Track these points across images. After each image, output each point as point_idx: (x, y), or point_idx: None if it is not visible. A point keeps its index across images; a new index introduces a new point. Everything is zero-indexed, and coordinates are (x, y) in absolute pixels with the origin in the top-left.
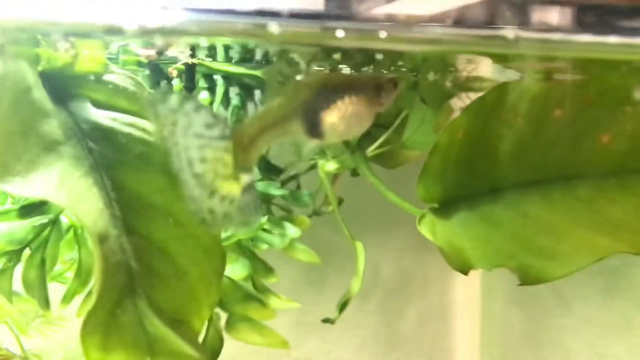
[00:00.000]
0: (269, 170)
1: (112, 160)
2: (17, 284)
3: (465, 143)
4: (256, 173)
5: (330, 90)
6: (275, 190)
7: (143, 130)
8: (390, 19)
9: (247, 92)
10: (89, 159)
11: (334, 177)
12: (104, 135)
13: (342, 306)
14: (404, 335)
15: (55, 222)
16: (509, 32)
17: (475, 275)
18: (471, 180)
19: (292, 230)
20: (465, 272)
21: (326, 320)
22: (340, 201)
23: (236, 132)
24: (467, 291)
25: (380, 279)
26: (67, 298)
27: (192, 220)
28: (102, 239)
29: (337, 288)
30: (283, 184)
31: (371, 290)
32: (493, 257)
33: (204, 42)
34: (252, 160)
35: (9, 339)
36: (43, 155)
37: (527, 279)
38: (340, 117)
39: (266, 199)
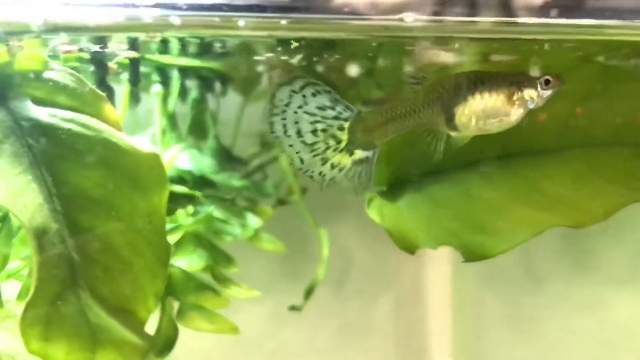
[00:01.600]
0: (231, 162)
1: (53, 156)
2: None
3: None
4: (377, 151)
5: (464, 86)
6: (236, 182)
7: (83, 125)
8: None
9: (206, 84)
10: (29, 155)
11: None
12: (44, 131)
13: (308, 293)
14: (379, 321)
15: (4, 220)
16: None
17: (446, 258)
18: (417, 162)
19: (253, 220)
20: (411, 252)
21: (293, 308)
22: (304, 190)
23: (361, 117)
24: (439, 275)
25: (354, 266)
26: (22, 295)
27: (135, 213)
28: (40, 233)
29: (311, 277)
30: (249, 175)
31: (346, 277)
32: (438, 236)
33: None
34: (373, 141)
35: None
36: None
37: (471, 255)
38: (472, 112)
39: (228, 191)
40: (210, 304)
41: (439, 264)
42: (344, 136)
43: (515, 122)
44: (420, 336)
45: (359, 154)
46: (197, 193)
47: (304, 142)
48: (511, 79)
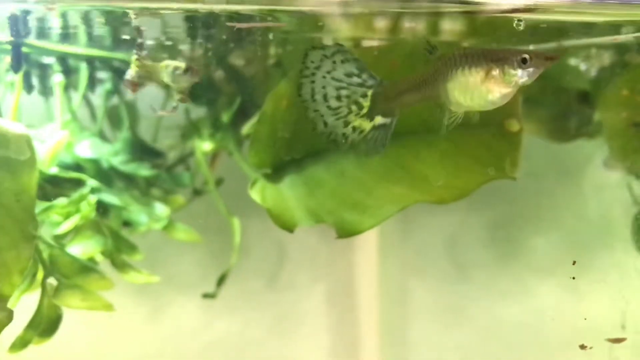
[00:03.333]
0: (145, 152)
1: None
2: None
3: (289, 110)
4: (395, 119)
5: (455, 62)
6: (145, 172)
7: None
8: None
9: (119, 75)
10: None
11: (214, 156)
12: None
13: (220, 281)
14: (311, 311)
15: None
16: None
17: (374, 249)
18: (297, 145)
19: (160, 209)
20: (291, 230)
21: (206, 295)
22: (219, 181)
23: (384, 86)
24: (367, 266)
25: (287, 258)
26: None
27: (5, 193)
28: None
29: (242, 268)
30: (171, 166)
31: (279, 270)
32: (315, 214)
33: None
34: (393, 109)
35: None
36: None
37: (343, 232)
38: (457, 88)
39: (141, 182)
40: (96, 285)
41: (368, 255)
42: (365, 103)
43: (502, 100)
44: (351, 326)
45: (379, 120)
46: (84, 177)
47: (328, 107)
48: (493, 56)
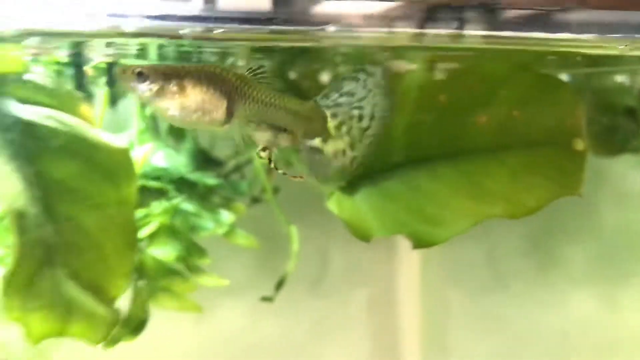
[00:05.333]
0: (207, 162)
1: (32, 149)
2: None
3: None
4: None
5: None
6: (210, 180)
7: (61, 122)
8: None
9: None
10: (10, 148)
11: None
12: (25, 127)
13: (278, 285)
14: (352, 317)
15: None
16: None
17: (415, 258)
18: (372, 160)
19: (225, 216)
20: (367, 240)
21: (265, 299)
22: (276, 190)
23: None
24: (409, 274)
25: (329, 266)
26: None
27: (107, 201)
28: (20, 216)
29: (263, 275)
30: (227, 175)
31: (321, 276)
32: (390, 226)
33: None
34: None
35: None
36: None
37: (419, 243)
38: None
39: (204, 189)
40: (180, 288)
41: (410, 263)
42: None
43: (167, 116)
44: (392, 332)
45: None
46: (168, 187)
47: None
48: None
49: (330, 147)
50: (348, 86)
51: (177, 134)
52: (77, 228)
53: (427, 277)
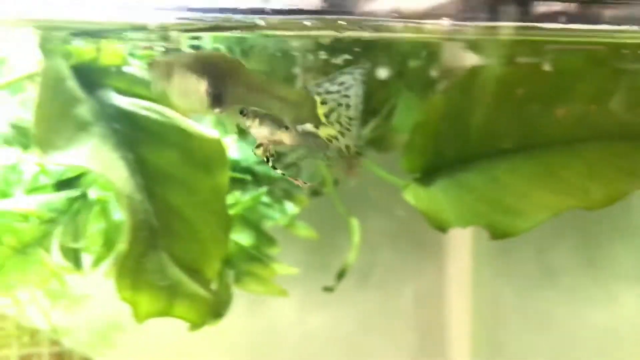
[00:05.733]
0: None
1: (134, 138)
2: None
3: (443, 120)
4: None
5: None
6: (275, 172)
7: (159, 113)
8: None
9: None
10: (114, 137)
11: (349, 162)
12: (125, 117)
13: (340, 276)
14: (401, 311)
15: (84, 195)
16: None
17: (466, 253)
18: (448, 152)
19: (290, 207)
20: (444, 231)
21: (326, 289)
22: (335, 182)
23: None
24: (459, 269)
25: (379, 258)
26: (95, 263)
27: (202, 188)
28: (129, 201)
29: (337, 268)
30: (288, 166)
31: (370, 269)
32: (467, 217)
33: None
34: None
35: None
36: (77, 133)
37: (496, 233)
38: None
39: (268, 181)
40: (260, 272)
41: (460, 258)
42: None
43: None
44: (440, 326)
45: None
46: (248, 178)
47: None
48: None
49: (322, 133)
50: (341, 78)
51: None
52: (176, 213)
53: (478, 272)
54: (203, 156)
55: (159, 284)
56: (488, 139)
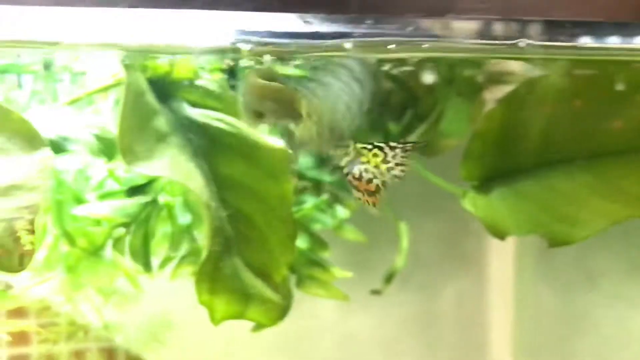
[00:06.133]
0: (321, 159)
1: (207, 148)
2: None
3: (501, 130)
4: None
5: None
6: (326, 177)
7: (229, 124)
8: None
9: None
10: (190, 147)
11: None
12: (199, 128)
13: (388, 279)
14: (441, 312)
15: (155, 201)
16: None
17: (508, 255)
18: (506, 161)
19: (342, 211)
20: (502, 238)
21: (374, 292)
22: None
23: None
24: (500, 271)
25: (420, 260)
26: (162, 265)
27: (270, 196)
28: (207, 207)
29: (378, 270)
30: (333, 170)
31: (411, 271)
32: (525, 225)
33: None
34: None
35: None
36: (157, 144)
37: (555, 242)
38: None
39: (318, 185)
40: (321, 275)
41: (501, 261)
42: None
43: None
44: (481, 330)
45: None
46: (307, 184)
47: None
48: None
49: (300, 131)
50: (324, 77)
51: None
52: (246, 221)
53: (520, 275)
54: (270, 165)
55: (234, 288)
56: (546, 148)
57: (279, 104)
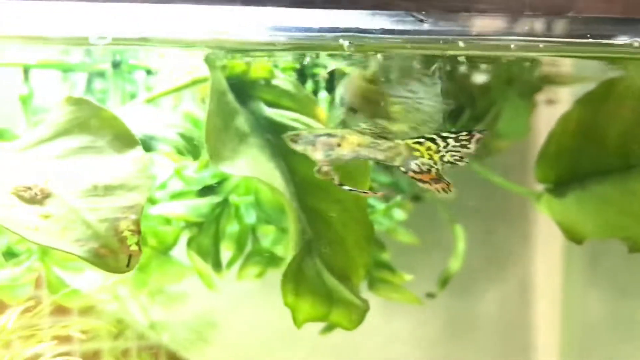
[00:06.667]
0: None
1: (285, 149)
2: None
3: (577, 132)
4: None
5: None
6: (384, 178)
7: (305, 124)
8: None
9: None
10: (268, 148)
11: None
12: (276, 129)
13: (443, 282)
14: (485, 316)
15: (226, 200)
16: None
17: (555, 260)
18: (582, 163)
19: (398, 213)
20: (579, 243)
21: (429, 295)
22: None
23: None
24: (547, 274)
25: (465, 263)
26: (229, 264)
27: (346, 197)
28: (291, 208)
29: (424, 271)
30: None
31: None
32: (606, 229)
33: None
34: None
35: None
36: (239, 144)
37: (635, 247)
38: None
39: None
40: (390, 278)
41: (548, 265)
42: None
43: None
44: (526, 332)
45: None
46: (374, 185)
47: None
48: None
49: (394, 128)
50: (412, 85)
51: None
52: (324, 222)
53: (568, 280)
54: (346, 166)
55: (318, 290)
56: (625, 152)
57: (373, 105)
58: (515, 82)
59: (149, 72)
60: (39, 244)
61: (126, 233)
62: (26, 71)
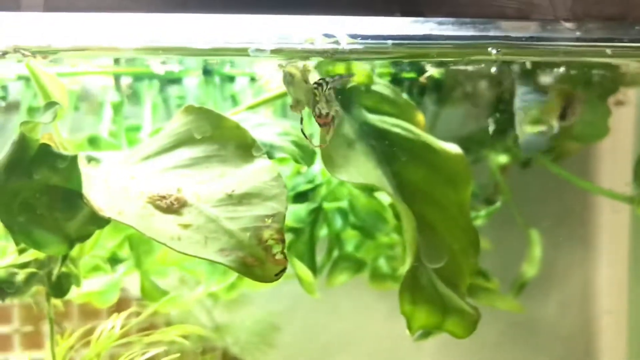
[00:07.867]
0: None
1: (388, 155)
2: None
3: None
4: None
5: None
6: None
7: (407, 130)
8: None
9: None
10: (374, 154)
11: (503, 168)
12: (379, 135)
13: (519, 288)
14: (546, 321)
15: (320, 207)
16: None
17: (621, 263)
18: None
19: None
20: None
21: None
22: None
23: None
24: (613, 279)
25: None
26: (319, 269)
27: (450, 204)
28: (408, 215)
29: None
30: None
31: (513, 277)
32: None
33: None
34: None
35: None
36: (348, 151)
37: None
38: None
39: None
40: (487, 285)
41: (613, 269)
42: None
43: None
44: (589, 337)
45: None
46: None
47: None
48: None
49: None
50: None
51: None
52: (431, 229)
53: (635, 283)
54: (449, 172)
55: (432, 299)
56: None
57: None
58: (594, 85)
59: (252, 79)
60: (186, 254)
61: (270, 242)
62: (117, 78)
